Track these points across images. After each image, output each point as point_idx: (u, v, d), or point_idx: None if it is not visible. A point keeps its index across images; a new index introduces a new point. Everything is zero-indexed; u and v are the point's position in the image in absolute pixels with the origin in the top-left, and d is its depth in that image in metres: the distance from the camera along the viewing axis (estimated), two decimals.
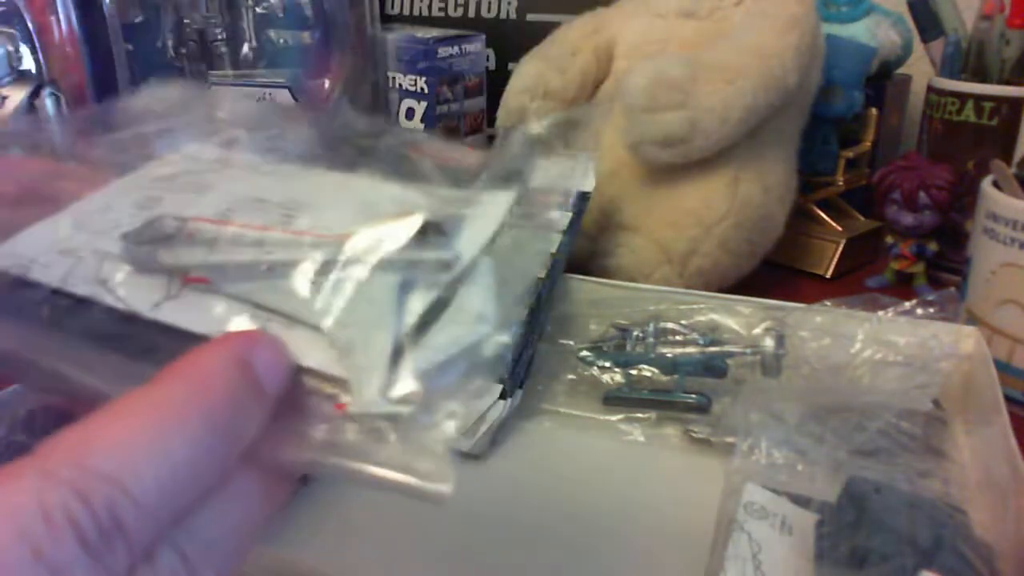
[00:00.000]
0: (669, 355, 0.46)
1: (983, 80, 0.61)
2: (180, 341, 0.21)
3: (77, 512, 0.15)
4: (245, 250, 0.22)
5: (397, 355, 0.20)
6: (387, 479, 0.18)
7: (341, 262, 0.21)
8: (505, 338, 0.21)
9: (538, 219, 0.25)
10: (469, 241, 0.23)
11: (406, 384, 0.19)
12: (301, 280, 0.21)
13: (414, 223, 0.22)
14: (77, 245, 0.24)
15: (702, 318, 0.48)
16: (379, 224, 0.22)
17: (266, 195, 0.25)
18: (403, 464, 0.18)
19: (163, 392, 0.17)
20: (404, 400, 0.19)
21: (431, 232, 0.22)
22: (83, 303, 0.22)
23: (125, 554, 0.15)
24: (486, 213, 0.24)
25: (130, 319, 0.22)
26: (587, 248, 0.61)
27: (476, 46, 0.76)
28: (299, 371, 0.20)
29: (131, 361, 0.21)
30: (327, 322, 0.20)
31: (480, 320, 0.21)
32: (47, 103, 0.59)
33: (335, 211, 0.24)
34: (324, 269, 0.21)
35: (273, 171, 0.28)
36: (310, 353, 0.20)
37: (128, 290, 0.22)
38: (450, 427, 0.19)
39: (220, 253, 0.22)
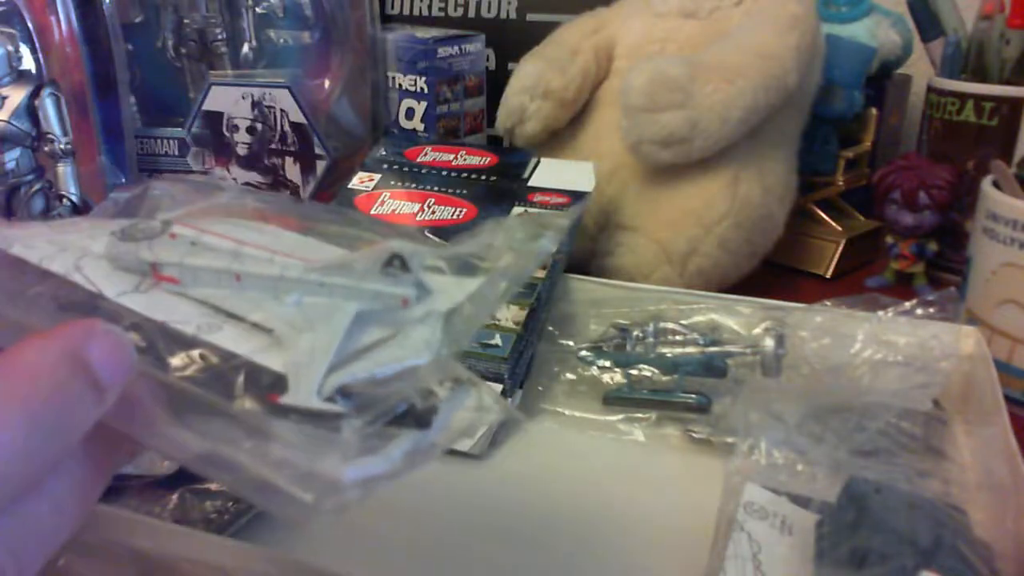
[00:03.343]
0: (669, 355, 0.46)
1: (983, 80, 0.61)
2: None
3: None
4: (220, 257, 0.23)
5: (337, 366, 0.20)
6: (254, 473, 0.19)
7: (308, 282, 0.22)
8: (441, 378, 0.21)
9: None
10: (428, 304, 0.23)
11: (332, 384, 0.20)
12: (266, 293, 0.22)
13: (382, 252, 0.23)
14: (62, 240, 0.25)
15: (702, 318, 0.49)
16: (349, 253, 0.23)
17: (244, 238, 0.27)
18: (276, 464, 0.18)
19: None
20: (334, 401, 0.20)
21: (396, 265, 0.23)
22: (53, 277, 0.23)
23: None
24: (449, 293, 0.24)
25: (99, 297, 0.22)
26: (587, 248, 0.61)
27: (476, 46, 0.75)
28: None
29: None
30: (280, 326, 0.21)
31: (424, 347, 0.22)
32: (47, 103, 0.59)
33: (306, 251, 0.26)
34: (290, 286, 0.22)
35: (252, 226, 0.28)
36: (244, 343, 0.21)
37: (99, 277, 0.23)
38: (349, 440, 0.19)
39: (196, 257, 0.23)
